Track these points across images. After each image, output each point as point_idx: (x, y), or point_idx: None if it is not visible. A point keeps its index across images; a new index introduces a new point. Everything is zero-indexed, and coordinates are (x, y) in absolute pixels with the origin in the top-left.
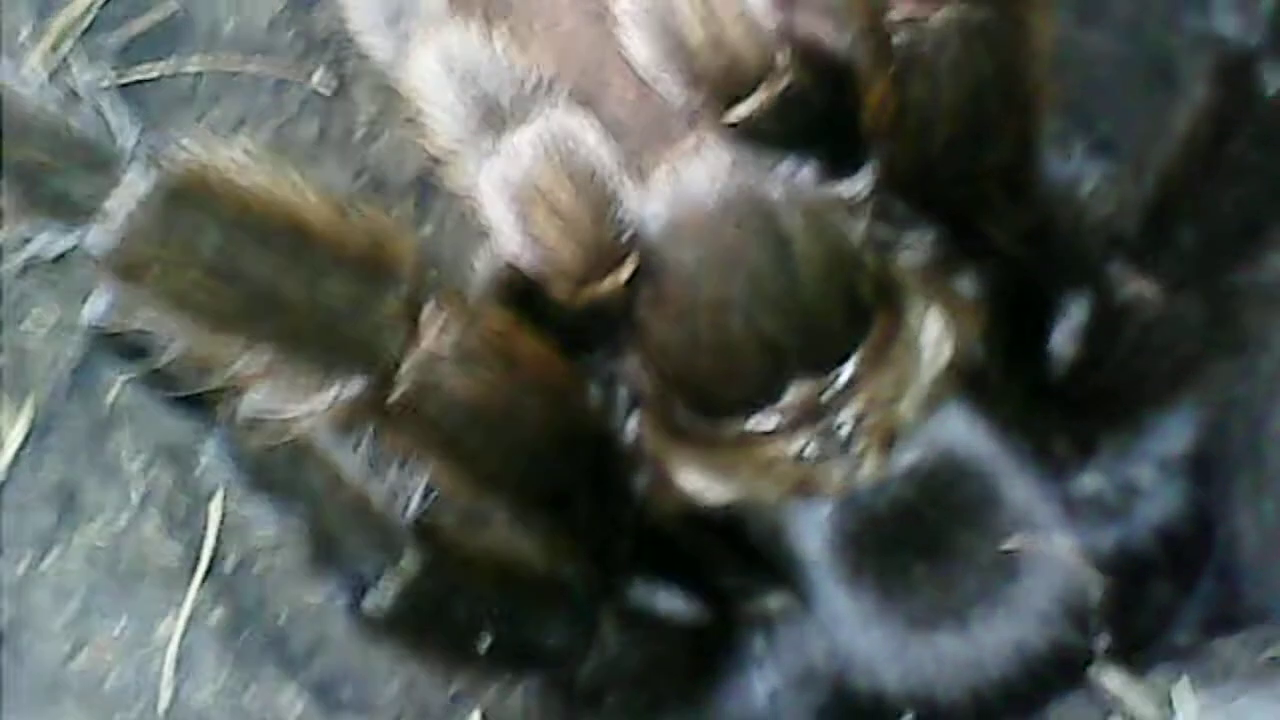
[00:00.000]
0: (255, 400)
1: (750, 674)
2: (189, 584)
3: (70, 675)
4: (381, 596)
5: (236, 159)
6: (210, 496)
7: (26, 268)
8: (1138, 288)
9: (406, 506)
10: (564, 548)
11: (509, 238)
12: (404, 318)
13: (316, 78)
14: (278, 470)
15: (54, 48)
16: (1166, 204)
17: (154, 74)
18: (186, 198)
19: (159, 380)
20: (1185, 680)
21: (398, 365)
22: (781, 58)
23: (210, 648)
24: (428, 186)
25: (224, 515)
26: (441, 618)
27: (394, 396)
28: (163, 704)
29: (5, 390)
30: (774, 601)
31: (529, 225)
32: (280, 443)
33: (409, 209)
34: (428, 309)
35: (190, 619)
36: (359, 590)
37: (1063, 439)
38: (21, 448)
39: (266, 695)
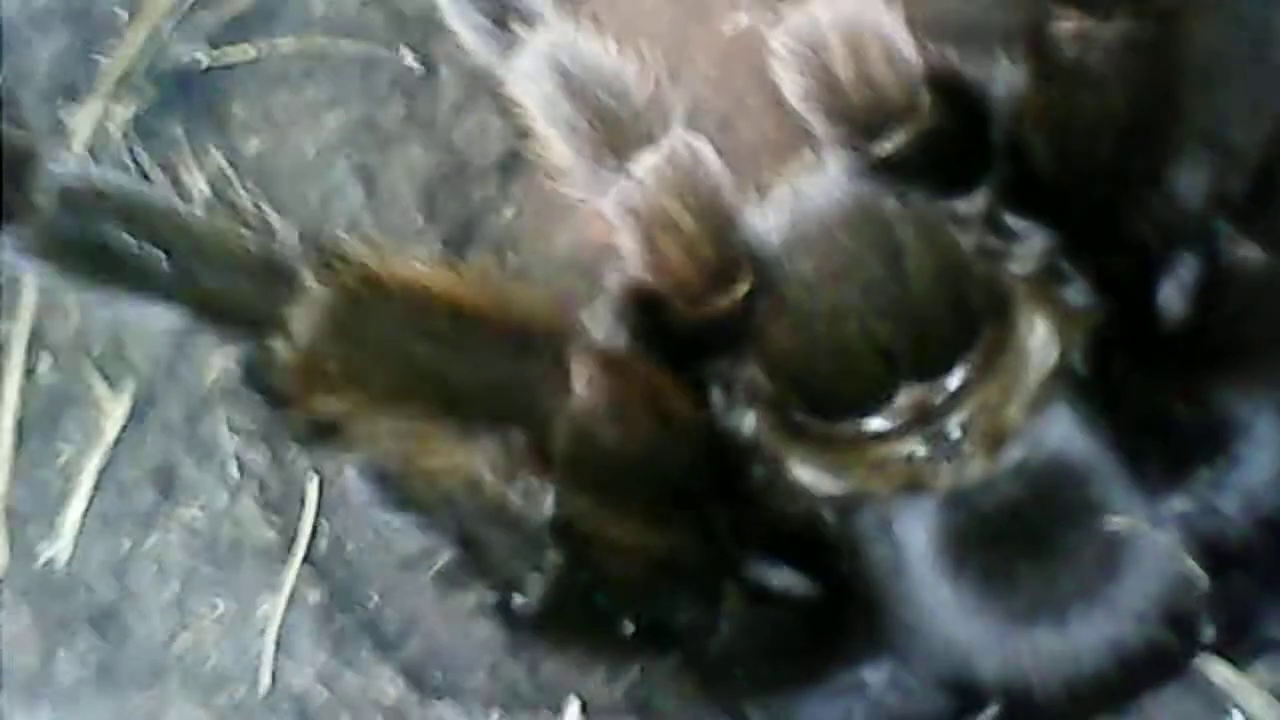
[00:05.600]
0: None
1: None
2: (285, 564)
3: (172, 656)
4: (530, 595)
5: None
6: (307, 477)
7: None
8: (1244, 251)
9: (542, 506)
10: (687, 538)
11: (633, 256)
12: (555, 377)
13: (405, 59)
14: (419, 486)
15: (153, 30)
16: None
17: (248, 55)
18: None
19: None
20: None
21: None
22: (923, 95)
23: (308, 630)
24: (510, 168)
25: (320, 496)
26: (586, 608)
27: (553, 453)
28: (263, 686)
29: (106, 372)
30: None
31: (654, 248)
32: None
33: (491, 190)
34: (577, 367)
35: (289, 601)
36: (508, 591)
37: (1155, 464)
38: (123, 429)
39: (363, 679)
